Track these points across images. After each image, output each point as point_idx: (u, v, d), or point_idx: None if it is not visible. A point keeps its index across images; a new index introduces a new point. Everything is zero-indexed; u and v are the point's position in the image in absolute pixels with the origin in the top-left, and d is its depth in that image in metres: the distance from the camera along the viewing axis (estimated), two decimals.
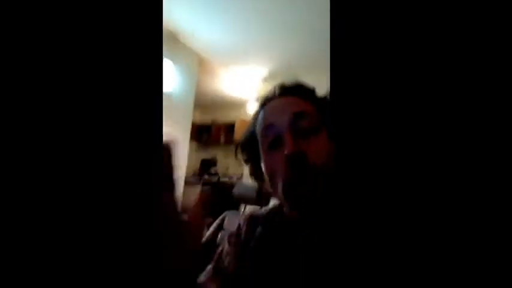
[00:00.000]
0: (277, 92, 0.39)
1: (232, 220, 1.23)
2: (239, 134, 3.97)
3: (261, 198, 1.13)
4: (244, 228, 0.44)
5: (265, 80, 3.12)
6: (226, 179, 4.09)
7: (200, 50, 2.58)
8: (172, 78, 2.32)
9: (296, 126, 0.33)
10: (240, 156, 0.43)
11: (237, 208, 1.57)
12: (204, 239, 1.24)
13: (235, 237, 0.44)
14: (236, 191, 1.29)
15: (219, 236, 1.21)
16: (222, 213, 1.32)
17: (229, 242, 0.44)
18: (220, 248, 0.46)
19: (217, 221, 1.29)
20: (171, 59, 2.28)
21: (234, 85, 3.48)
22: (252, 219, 0.44)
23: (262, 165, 0.37)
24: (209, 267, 0.44)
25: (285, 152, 0.31)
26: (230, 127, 4.23)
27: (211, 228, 1.27)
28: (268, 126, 0.35)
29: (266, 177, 0.37)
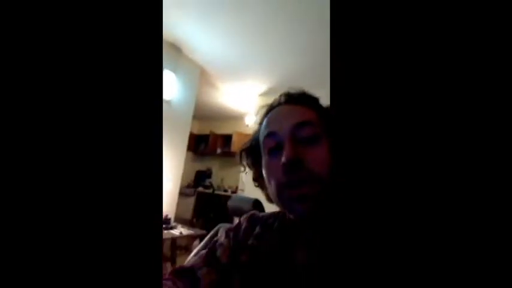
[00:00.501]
0: (282, 99, 0.40)
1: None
2: (236, 146, 3.99)
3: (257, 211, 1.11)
4: (244, 225, 0.44)
5: (264, 94, 3.17)
6: (220, 192, 4.04)
7: (202, 63, 2.63)
8: (174, 88, 2.34)
9: (297, 135, 0.33)
10: (244, 161, 0.44)
11: (231, 221, 1.54)
12: (196, 251, 1.20)
13: (234, 231, 0.44)
14: (231, 203, 1.27)
15: None
16: (215, 226, 1.29)
17: (226, 234, 0.44)
18: (216, 237, 0.46)
19: (210, 234, 1.26)
20: (174, 70, 2.32)
21: (232, 98, 3.52)
22: (253, 218, 0.45)
23: (263, 170, 0.37)
24: (203, 252, 0.44)
25: (282, 159, 0.32)
26: (227, 139, 4.23)
27: (204, 241, 1.24)
28: (270, 133, 0.36)
29: (266, 181, 0.37)
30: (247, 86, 3.05)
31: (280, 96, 0.41)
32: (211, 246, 0.44)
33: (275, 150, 0.35)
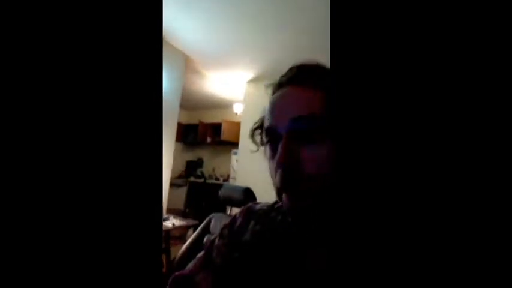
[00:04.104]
0: (286, 79, 0.35)
1: (219, 222, 1.21)
2: (226, 134, 3.96)
3: (248, 199, 1.12)
4: (239, 221, 0.42)
5: (252, 81, 3.13)
6: (212, 181, 4.05)
7: (186, 51, 2.54)
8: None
9: (296, 128, 0.30)
10: (254, 139, 0.41)
11: (223, 210, 1.55)
12: (189, 242, 1.21)
13: (228, 228, 0.43)
14: (222, 192, 1.27)
15: (204, 238, 1.19)
16: (208, 215, 1.30)
17: (220, 234, 0.43)
18: (213, 237, 0.45)
19: (203, 224, 1.26)
20: None
21: (220, 86, 3.46)
22: (248, 212, 0.43)
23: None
24: (200, 255, 0.44)
25: (276, 160, 0.30)
26: (217, 128, 4.20)
27: (197, 231, 1.24)
28: (268, 129, 0.33)
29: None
30: (234, 73, 2.99)
31: (288, 71, 0.36)
32: (208, 247, 0.43)
33: (275, 143, 0.32)
